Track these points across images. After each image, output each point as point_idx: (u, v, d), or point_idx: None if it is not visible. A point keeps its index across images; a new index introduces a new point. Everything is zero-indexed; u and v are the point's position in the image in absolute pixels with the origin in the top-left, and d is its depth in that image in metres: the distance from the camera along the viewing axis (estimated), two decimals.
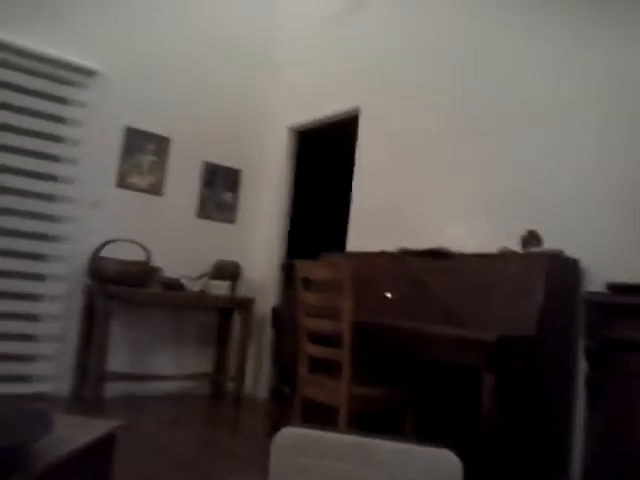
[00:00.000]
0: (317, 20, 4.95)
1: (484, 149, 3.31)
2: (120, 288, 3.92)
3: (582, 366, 2.41)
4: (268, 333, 4.68)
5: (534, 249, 2.76)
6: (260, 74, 5.28)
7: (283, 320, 3.43)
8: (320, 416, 2.93)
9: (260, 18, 5.29)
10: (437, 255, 3.07)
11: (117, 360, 4.28)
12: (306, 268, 2.97)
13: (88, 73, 4.19)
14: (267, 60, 5.33)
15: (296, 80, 5.11)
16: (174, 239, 4.67)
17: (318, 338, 2.85)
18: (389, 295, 3.25)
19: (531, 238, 2.81)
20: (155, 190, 4.57)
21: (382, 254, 3.43)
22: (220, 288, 4.51)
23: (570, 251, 2.69)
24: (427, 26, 3.84)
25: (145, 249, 4.22)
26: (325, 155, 4.81)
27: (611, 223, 2.63)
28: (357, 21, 4.50)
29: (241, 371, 4.49)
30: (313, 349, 2.85)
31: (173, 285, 4.32)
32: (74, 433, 1.48)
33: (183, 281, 4.38)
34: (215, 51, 4.96)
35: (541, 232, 2.80)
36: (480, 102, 3.39)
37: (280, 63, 5.32)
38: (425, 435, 2.92)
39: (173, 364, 4.65)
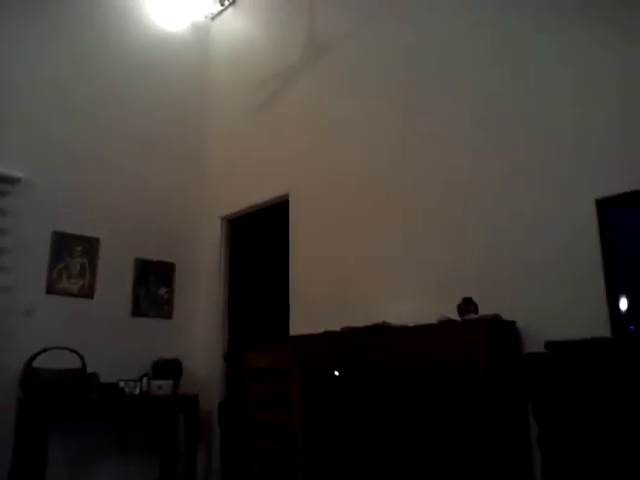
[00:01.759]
0: (241, 111, 5.13)
1: (416, 226, 3.46)
2: (56, 400, 3.69)
3: (533, 426, 2.46)
4: (217, 430, 4.48)
5: (471, 316, 2.84)
6: (188, 166, 5.34)
7: (231, 415, 3.32)
8: None
9: (188, 109, 5.42)
10: (380, 330, 3.11)
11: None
12: (252, 358, 2.92)
13: (11, 181, 4.11)
14: (195, 151, 5.41)
15: (224, 170, 5.21)
16: (110, 341, 4.48)
17: (271, 431, 2.76)
18: (337, 373, 3.22)
19: (467, 305, 2.91)
20: (86, 293, 4.43)
21: (326, 335, 3.43)
22: (161, 388, 4.33)
23: (505, 314, 2.79)
24: (354, 110, 4.06)
25: (79, 355, 4.03)
26: (260, 241, 4.85)
27: (542, 284, 2.78)
28: (281, 109, 4.69)
29: (191, 477, 4.24)
30: (265, 444, 2.76)
31: (112, 390, 4.10)
32: None
33: (122, 385, 4.18)
34: (142, 146, 5.01)
35: (476, 299, 2.91)
36: (410, 180, 3.57)
37: (208, 153, 5.43)
38: None
39: (118, 477, 4.34)
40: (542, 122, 2.93)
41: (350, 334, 3.25)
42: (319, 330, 3.53)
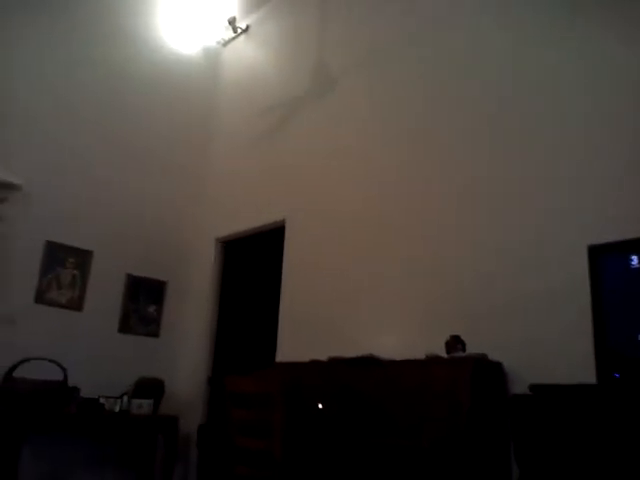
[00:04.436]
0: (245, 137, 5.18)
1: (408, 259, 3.47)
2: (32, 411, 3.63)
3: (514, 468, 2.44)
4: (195, 454, 4.41)
5: (459, 353, 2.84)
6: (189, 186, 5.37)
7: (210, 439, 3.27)
8: None
9: (189, 132, 5.47)
10: (367, 363, 3.09)
11: None
12: (236, 382, 2.89)
13: (10, 187, 4.11)
14: (196, 171, 5.44)
15: (223, 193, 5.24)
16: (94, 356, 4.43)
17: (251, 457, 2.73)
18: (320, 406, 3.19)
19: (455, 343, 2.90)
20: (75, 305, 4.40)
21: (312, 364, 3.41)
22: (142, 407, 4.27)
23: (493, 354, 2.79)
24: (357, 143, 4.09)
25: (62, 368, 3.98)
26: (253, 265, 4.85)
27: (531, 327, 2.79)
28: (285, 137, 4.75)
29: None
30: (244, 470, 2.71)
31: (92, 405, 4.04)
32: None
33: (103, 401, 4.12)
34: (141, 164, 5.04)
35: (464, 337, 2.90)
36: (406, 216, 3.60)
37: (207, 176, 5.46)
38: None
39: None
40: (538, 169, 2.98)
41: (337, 364, 3.23)
42: (306, 358, 3.50)
